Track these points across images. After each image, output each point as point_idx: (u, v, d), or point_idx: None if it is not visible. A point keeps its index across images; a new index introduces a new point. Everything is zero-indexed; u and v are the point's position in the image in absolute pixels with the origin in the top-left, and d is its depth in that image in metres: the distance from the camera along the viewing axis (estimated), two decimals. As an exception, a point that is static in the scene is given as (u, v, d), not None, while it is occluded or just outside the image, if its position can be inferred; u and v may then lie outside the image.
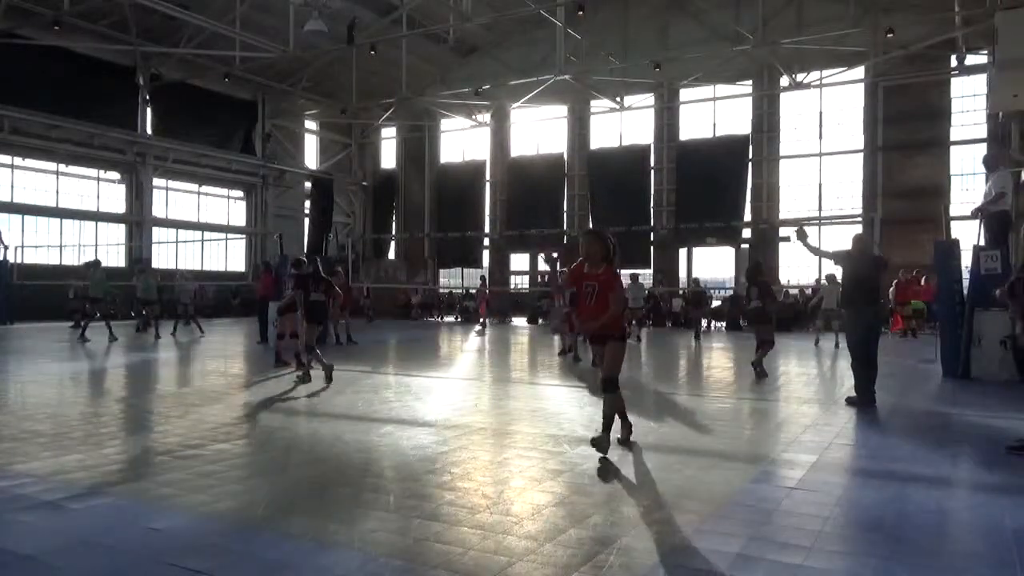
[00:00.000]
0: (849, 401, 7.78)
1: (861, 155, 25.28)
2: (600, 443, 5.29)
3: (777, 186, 26.55)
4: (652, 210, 28.39)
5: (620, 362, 5.54)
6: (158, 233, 27.21)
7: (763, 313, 10.37)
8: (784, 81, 25.40)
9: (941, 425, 7.01)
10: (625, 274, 12.23)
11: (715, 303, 24.25)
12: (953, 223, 14.25)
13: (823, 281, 17.77)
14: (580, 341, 12.66)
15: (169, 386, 9.45)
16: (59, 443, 5.57)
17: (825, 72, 24.93)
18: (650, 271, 27.76)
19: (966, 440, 6.26)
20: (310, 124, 33.57)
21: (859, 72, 24.69)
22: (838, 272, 9.56)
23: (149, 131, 26.32)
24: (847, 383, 9.96)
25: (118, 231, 26.57)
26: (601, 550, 3.37)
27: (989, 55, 19.53)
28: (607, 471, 4.89)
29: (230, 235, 30.12)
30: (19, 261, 21.63)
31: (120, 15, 22.83)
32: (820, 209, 26.09)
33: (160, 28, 24.36)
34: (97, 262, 16.28)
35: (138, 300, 18.74)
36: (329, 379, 9.17)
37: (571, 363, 12.01)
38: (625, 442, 5.66)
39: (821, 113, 26.02)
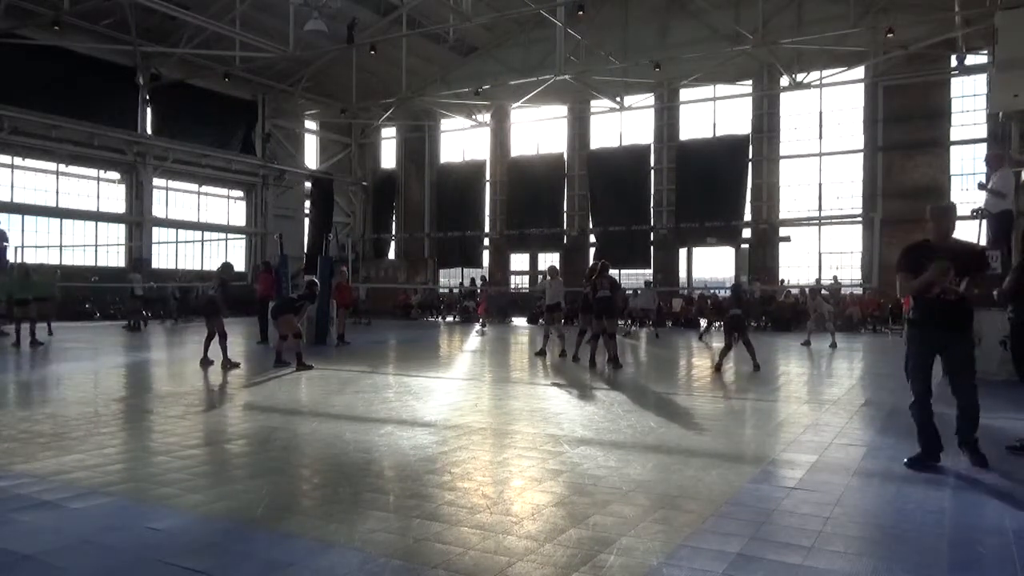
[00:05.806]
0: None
1: (861, 155, 25.29)
2: None
3: (777, 186, 26.56)
4: (652, 210, 28.41)
5: None
6: (158, 233, 27.23)
7: (740, 320, 11.28)
8: (784, 81, 25.40)
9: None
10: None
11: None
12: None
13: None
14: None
15: (168, 386, 9.44)
16: (59, 443, 5.56)
17: (825, 72, 24.93)
18: (650, 271, 27.78)
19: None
20: (310, 124, 33.55)
21: (859, 72, 24.69)
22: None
23: (149, 131, 26.32)
24: (845, 383, 9.97)
25: (118, 231, 26.58)
26: (601, 550, 3.37)
27: (989, 55, 19.50)
28: (607, 471, 4.89)
29: (230, 235, 30.11)
30: (19, 261, 21.57)
31: (120, 15, 22.84)
32: (820, 209, 26.10)
33: (160, 28, 24.37)
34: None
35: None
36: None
37: (570, 362, 12.04)
38: None
39: (821, 113, 26.02)
